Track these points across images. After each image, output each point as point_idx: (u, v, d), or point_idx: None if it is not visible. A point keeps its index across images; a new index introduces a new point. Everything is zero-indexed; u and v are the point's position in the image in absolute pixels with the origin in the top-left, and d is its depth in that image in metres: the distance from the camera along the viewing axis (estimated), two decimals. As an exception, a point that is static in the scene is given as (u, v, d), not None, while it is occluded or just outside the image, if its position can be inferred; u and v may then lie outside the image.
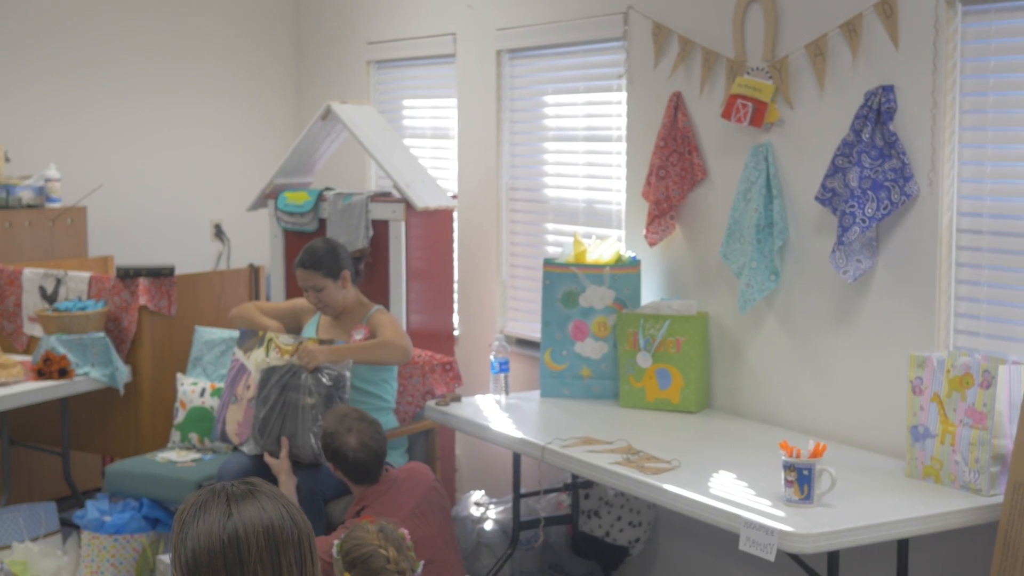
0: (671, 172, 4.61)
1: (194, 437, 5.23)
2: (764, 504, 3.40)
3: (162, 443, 5.46)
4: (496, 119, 5.67)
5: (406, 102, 6.49)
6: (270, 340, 4.67)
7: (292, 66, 7.35)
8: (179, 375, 5.39)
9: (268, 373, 4.56)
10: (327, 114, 5.67)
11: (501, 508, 5.01)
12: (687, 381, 4.49)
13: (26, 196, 6.17)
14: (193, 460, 5.07)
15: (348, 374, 4.52)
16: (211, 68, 7.18)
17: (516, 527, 4.73)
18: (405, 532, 3.23)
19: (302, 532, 1.85)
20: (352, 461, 4.05)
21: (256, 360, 4.66)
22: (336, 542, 3.21)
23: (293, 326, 5.01)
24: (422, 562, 3.24)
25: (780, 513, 3.32)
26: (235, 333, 5.17)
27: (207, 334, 5.47)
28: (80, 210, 6.37)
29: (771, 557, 3.21)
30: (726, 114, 4.33)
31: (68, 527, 5.33)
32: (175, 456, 5.12)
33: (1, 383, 5.12)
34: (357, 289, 4.94)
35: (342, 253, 4.86)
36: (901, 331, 3.90)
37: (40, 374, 5.24)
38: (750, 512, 3.32)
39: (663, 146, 4.63)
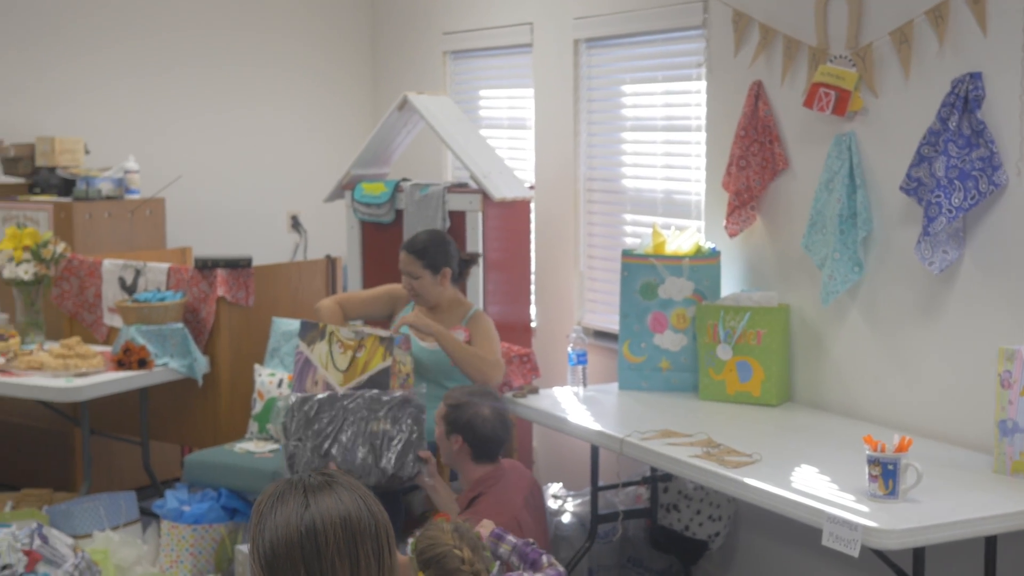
0: (752, 162, 4.60)
1: (272, 428, 5.29)
2: (848, 499, 3.38)
3: (240, 433, 5.54)
4: (573, 109, 5.68)
5: (482, 92, 6.52)
6: (331, 333, 4.70)
7: (368, 57, 7.41)
8: (256, 366, 5.46)
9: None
10: (404, 105, 5.71)
11: (579, 501, 5.02)
12: (768, 374, 4.47)
13: (106, 188, 6.28)
14: (271, 451, 5.14)
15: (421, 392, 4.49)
16: (288, 61, 7.26)
17: (594, 520, 4.74)
18: (480, 532, 3.22)
19: (379, 524, 1.85)
20: (482, 433, 4.04)
21: (320, 354, 4.71)
22: (411, 540, 3.21)
23: (386, 313, 5.00)
24: (497, 563, 3.25)
25: (864, 508, 3.30)
26: (312, 325, 5.22)
27: (284, 325, 5.54)
28: (159, 201, 6.47)
29: (855, 553, 3.19)
30: (808, 103, 4.30)
31: (147, 516, 5.42)
32: (253, 446, 5.19)
33: (82, 373, 5.22)
34: (457, 289, 4.93)
35: (450, 250, 4.85)
36: (989, 323, 3.85)
37: (120, 364, 5.33)
38: (833, 507, 3.31)
39: (743, 136, 4.61)
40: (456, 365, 4.63)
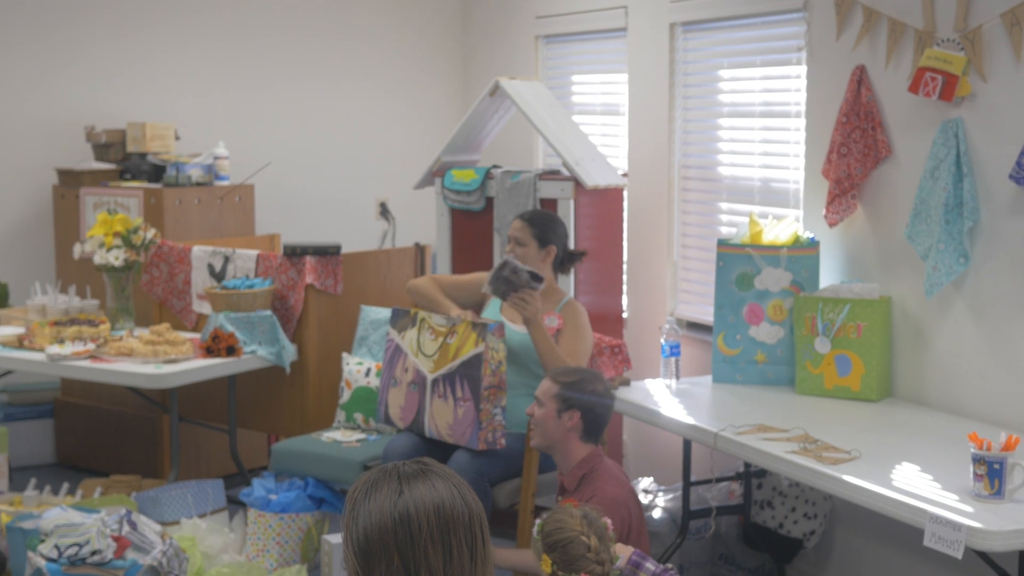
0: (853, 149, 4.53)
1: (359, 417, 5.34)
2: (951, 498, 3.32)
3: (327, 422, 5.59)
4: (668, 94, 5.64)
5: (575, 78, 6.50)
6: (422, 320, 4.72)
7: (460, 43, 7.43)
8: (344, 354, 5.51)
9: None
10: (495, 90, 5.71)
11: (670, 496, 5.00)
12: (868, 368, 4.42)
13: (195, 174, 6.37)
14: (358, 440, 5.18)
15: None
16: (379, 47, 7.31)
17: (686, 516, 4.72)
18: (608, 522, 3.22)
19: (473, 512, 1.87)
20: (599, 410, 4.04)
21: (410, 340, 4.73)
22: (538, 521, 3.21)
23: (476, 299, 5.02)
24: (621, 555, 3.24)
25: (968, 508, 3.24)
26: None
27: (372, 313, 5.58)
28: (248, 188, 6.55)
29: (958, 555, 3.14)
30: (914, 88, 4.23)
31: (234, 504, 5.50)
32: (340, 436, 5.24)
33: (171, 360, 5.30)
34: (553, 276, 4.94)
35: (560, 232, 4.88)
36: (1102, 318, 3.77)
37: (208, 352, 5.41)
38: (936, 507, 3.26)
39: (845, 122, 4.55)
40: (540, 360, 4.63)
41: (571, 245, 5.27)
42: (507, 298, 4.62)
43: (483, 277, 4.99)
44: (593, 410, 4.04)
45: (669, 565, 3.33)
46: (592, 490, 3.85)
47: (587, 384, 4.08)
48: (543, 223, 4.87)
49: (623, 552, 3.25)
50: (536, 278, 4.59)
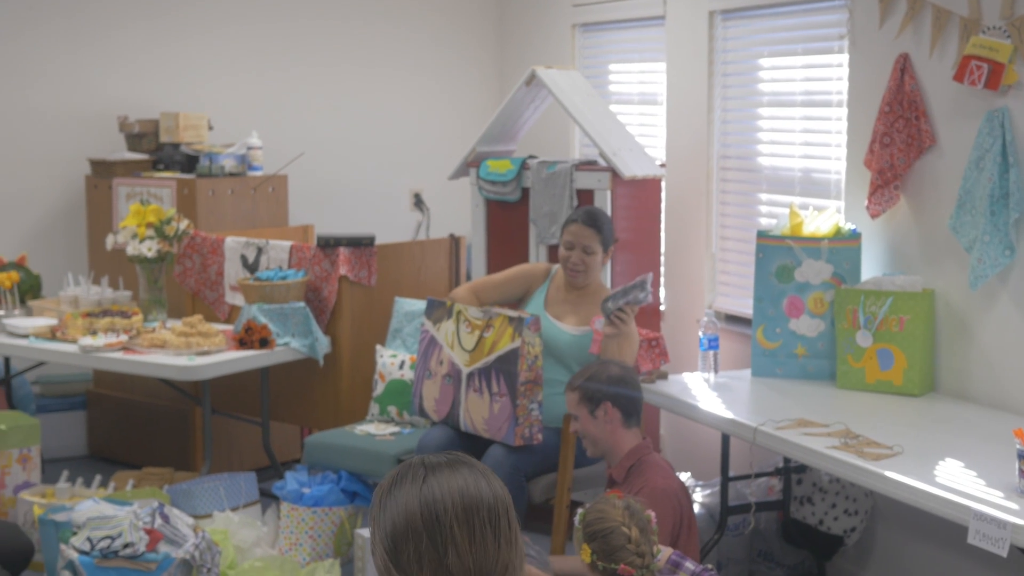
0: (896, 139, 4.50)
1: (393, 410, 5.35)
2: (996, 495, 3.30)
3: (361, 415, 5.61)
4: (708, 83, 5.62)
5: (612, 66, 6.49)
6: (459, 312, 4.71)
7: (495, 32, 7.42)
8: (378, 347, 5.52)
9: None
10: (532, 79, 5.71)
11: (708, 492, 4.99)
12: (910, 362, 4.39)
13: (228, 164, 6.39)
14: (392, 433, 5.19)
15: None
16: (413, 36, 7.31)
17: (724, 512, 4.71)
18: (652, 515, 3.22)
19: (498, 497, 1.88)
20: (626, 389, 4.03)
21: (446, 332, 4.73)
22: (580, 511, 3.23)
23: (520, 293, 4.96)
24: (663, 550, 3.23)
25: (1014, 506, 3.22)
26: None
27: (407, 305, 5.59)
28: (281, 178, 6.57)
29: (1003, 552, 3.12)
30: (959, 76, 4.20)
31: (267, 498, 5.52)
32: (374, 429, 5.25)
33: (203, 352, 5.33)
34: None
35: (613, 230, 4.88)
36: None
37: (241, 343, 5.43)
38: (980, 503, 3.23)
39: (888, 111, 4.52)
40: (600, 351, 4.60)
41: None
42: (610, 314, 4.54)
43: (522, 272, 4.98)
44: (619, 392, 4.04)
45: (709, 565, 3.33)
46: (642, 482, 3.84)
47: (603, 372, 4.08)
48: (607, 226, 4.82)
49: (663, 552, 3.25)
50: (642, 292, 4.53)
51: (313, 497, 5.06)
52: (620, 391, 4.04)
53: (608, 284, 5.35)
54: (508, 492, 1.94)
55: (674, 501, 3.80)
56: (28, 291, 6.12)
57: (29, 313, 5.96)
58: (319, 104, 7.09)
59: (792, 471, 4.79)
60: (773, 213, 5.31)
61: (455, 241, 6.15)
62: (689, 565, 3.26)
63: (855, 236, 4.65)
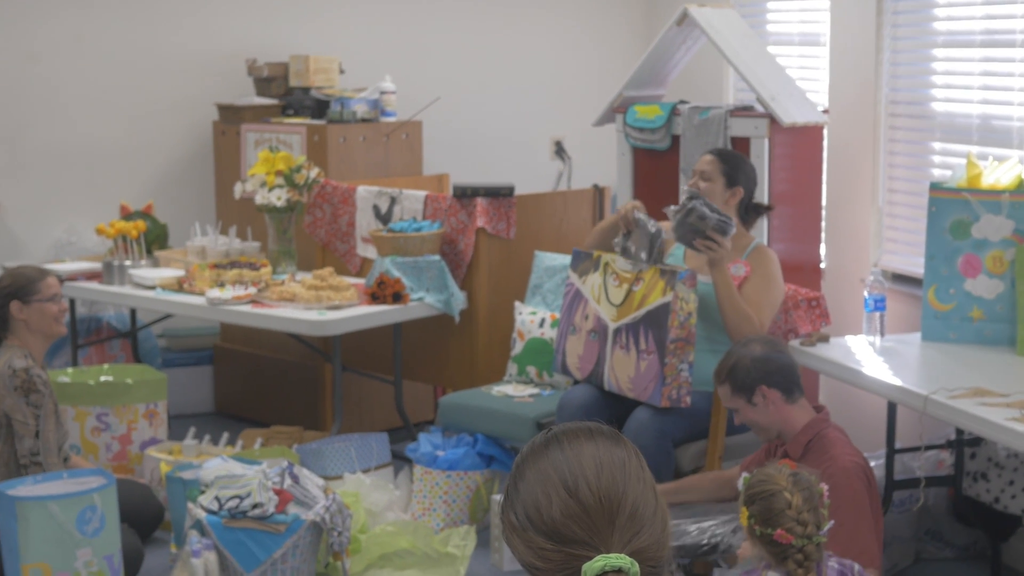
0: (1089, 82, 4.34)
1: (532, 371, 5.35)
2: None
3: (498, 376, 5.61)
4: (875, 22, 5.49)
5: (771, 4, 6.41)
6: (606, 264, 4.68)
7: (643, -33, 7.34)
8: (517, 303, 5.51)
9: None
10: (683, 19, 5.63)
11: (872, 464, 4.89)
12: (1101, 328, 4.25)
13: (360, 110, 6.43)
14: (531, 395, 5.19)
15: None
16: (555, -30, 7.27)
17: (889, 487, 4.62)
18: (824, 488, 3.19)
19: (636, 468, 1.83)
20: (778, 363, 3.95)
21: (592, 286, 4.70)
22: (745, 475, 3.22)
23: (628, 225, 4.94)
24: (831, 522, 3.20)
25: None
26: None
27: (547, 260, 5.57)
28: (415, 125, 6.59)
29: None
30: None
31: (399, 460, 5.57)
32: (512, 390, 5.25)
33: (334, 306, 5.38)
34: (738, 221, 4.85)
35: (752, 176, 4.83)
36: None
37: (373, 298, 5.47)
38: None
39: (1080, 51, 4.35)
40: (720, 309, 4.55)
41: (762, 196, 5.17)
42: (692, 244, 4.55)
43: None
44: (770, 371, 3.96)
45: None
46: (828, 458, 3.75)
47: (743, 357, 3.99)
48: (734, 161, 4.81)
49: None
50: (725, 224, 4.50)
51: (448, 460, 5.09)
52: (771, 369, 3.97)
53: (764, 238, 5.26)
54: (647, 467, 1.89)
55: (864, 477, 3.75)
56: (155, 241, 6.24)
57: (156, 264, 6.08)
58: (455, 46, 7.09)
59: (965, 444, 4.67)
60: (947, 164, 5.18)
61: (599, 192, 6.12)
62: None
63: (1040, 189, 4.51)
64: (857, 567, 3.27)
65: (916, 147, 5.45)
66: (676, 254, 4.86)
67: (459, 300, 5.60)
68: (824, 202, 5.71)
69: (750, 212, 4.86)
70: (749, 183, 4.81)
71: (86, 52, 6.50)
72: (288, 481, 4.47)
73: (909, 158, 5.49)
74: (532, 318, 5.39)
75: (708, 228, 4.50)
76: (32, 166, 6.45)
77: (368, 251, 5.99)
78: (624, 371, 4.56)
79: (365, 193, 6.01)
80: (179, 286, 5.72)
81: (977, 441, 4.62)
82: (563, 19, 7.32)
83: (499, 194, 5.68)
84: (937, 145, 5.32)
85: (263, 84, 6.63)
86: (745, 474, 3.25)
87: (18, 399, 4.38)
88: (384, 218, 5.93)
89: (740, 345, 4.10)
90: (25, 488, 4.25)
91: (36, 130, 6.45)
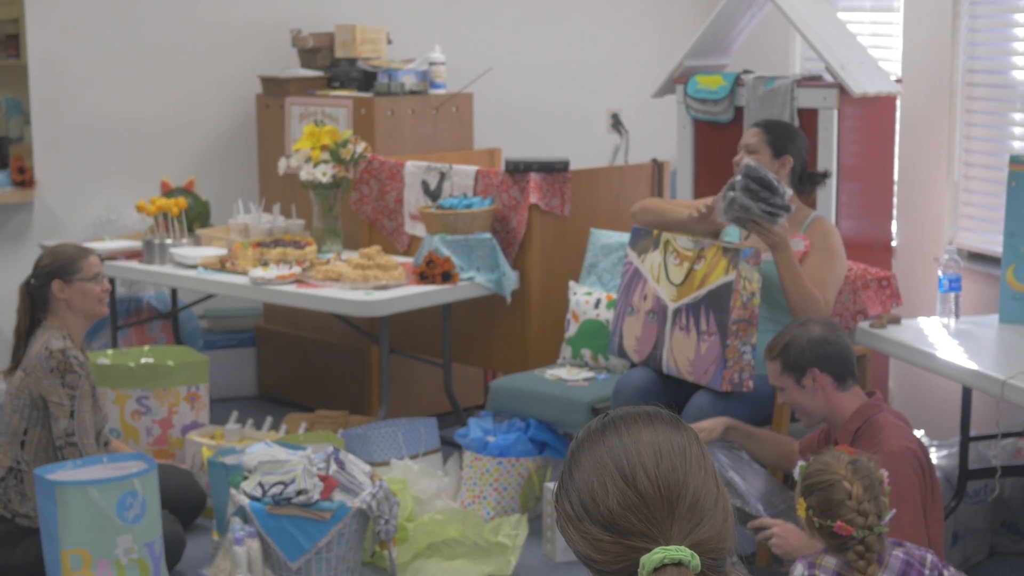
0: None
1: (587, 353, 5.32)
2: None
3: (551, 358, 5.60)
4: (952, -14, 5.44)
5: (841, -31, 6.34)
6: (667, 242, 4.65)
7: (704, -69, 7.29)
8: (571, 283, 5.49)
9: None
10: (747, -16, 5.59)
11: (944, 452, 4.87)
12: None
13: (409, 82, 6.41)
14: (585, 379, 5.17)
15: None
16: (612, -65, 7.23)
17: (963, 476, 4.59)
18: (884, 475, 3.16)
19: (697, 455, 1.80)
20: (832, 347, 3.92)
21: (651, 264, 4.67)
22: (801, 463, 3.20)
23: (712, 225, 4.93)
24: (893, 511, 3.16)
25: None
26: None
27: (603, 238, 5.54)
28: (466, 97, 6.57)
29: None
30: None
31: (449, 446, 5.56)
32: (565, 374, 5.23)
33: (382, 286, 5.37)
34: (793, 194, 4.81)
35: (800, 144, 4.78)
36: None
37: (422, 278, 5.46)
38: None
39: None
40: (784, 291, 4.50)
41: (817, 165, 5.12)
42: (746, 225, 4.50)
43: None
44: (825, 355, 3.92)
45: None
46: (875, 445, 3.71)
47: (800, 336, 3.95)
48: (780, 130, 4.78)
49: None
50: (774, 211, 4.41)
51: (499, 446, 5.08)
52: (827, 353, 3.93)
53: (832, 215, 5.21)
54: (708, 451, 1.86)
55: (915, 462, 3.69)
56: (196, 218, 6.26)
57: (197, 242, 6.10)
58: (507, 14, 7.06)
59: (1045, 432, 4.63)
60: (1028, 136, 5.13)
61: (658, 166, 6.08)
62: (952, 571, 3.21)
63: None
64: (931, 557, 3.22)
65: (995, 118, 5.40)
66: (733, 231, 4.81)
67: (511, 280, 5.59)
68: (896, 176, 5.66)
69: (805, 182, 4.81)
70: (800, 151, 4.77)
71: (126, 24, 6.52)
72: (333, 467, 4.47)
73: (987, 129, 5.44)
74: (587, 298, 5.36)
75: (755, 217, 4.44)
76: (70, 142, 6.49)
77: (416, 229, 5.99)
78: (684, 353, 4.54)
79: (413, 168, 5.99)
80: (221, 265, 5.73)
81: (1058, 428, 4.58)
82: (621, -14, 7.29)
83: (553, 169, 5.65)
84: (1017, 116, 5.28)
85: (308, 55, 6.63)
86: (801, 462, 3.21)
87: (53, 380, 4.40)
88: (433, 194, 5.92)
89: (798, 324, 4.07)
90: (65, 473, 4.27)
91: (74, 105, 6.48)
